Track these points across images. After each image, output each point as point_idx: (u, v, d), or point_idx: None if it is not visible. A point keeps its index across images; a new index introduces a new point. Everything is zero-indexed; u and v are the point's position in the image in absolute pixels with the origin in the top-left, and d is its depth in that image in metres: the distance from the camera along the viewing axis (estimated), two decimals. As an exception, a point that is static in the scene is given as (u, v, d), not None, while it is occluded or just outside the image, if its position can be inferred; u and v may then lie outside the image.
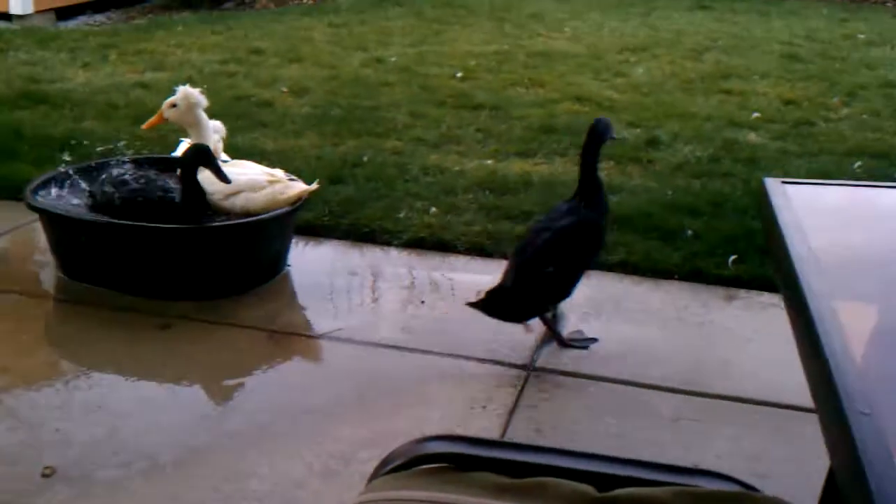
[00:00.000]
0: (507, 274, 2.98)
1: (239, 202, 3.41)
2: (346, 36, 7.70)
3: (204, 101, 3.56)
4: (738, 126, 5.39)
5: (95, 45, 7.04)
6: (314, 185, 3.45)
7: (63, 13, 8.55)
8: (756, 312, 3.39)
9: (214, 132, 3.71)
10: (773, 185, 1.80)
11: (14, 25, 7.98)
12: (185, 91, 3.53)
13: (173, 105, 3.53)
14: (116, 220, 3.28)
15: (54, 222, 3.40)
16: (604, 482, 1.26)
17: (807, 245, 1.56)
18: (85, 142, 4.74)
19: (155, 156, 3.96)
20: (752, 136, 5.21)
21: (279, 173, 3.50)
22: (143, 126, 3.69)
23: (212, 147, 3.58)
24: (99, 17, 8.71)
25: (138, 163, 3.65)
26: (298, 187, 3.42)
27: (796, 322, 1.43)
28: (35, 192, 3.44)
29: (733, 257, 3.64)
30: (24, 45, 6.99)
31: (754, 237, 3.77)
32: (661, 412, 2.77)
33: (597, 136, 2.96)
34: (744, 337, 3.22)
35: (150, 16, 8.68)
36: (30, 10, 8.18)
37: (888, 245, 1.75)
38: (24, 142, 4.71)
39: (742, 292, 3.50)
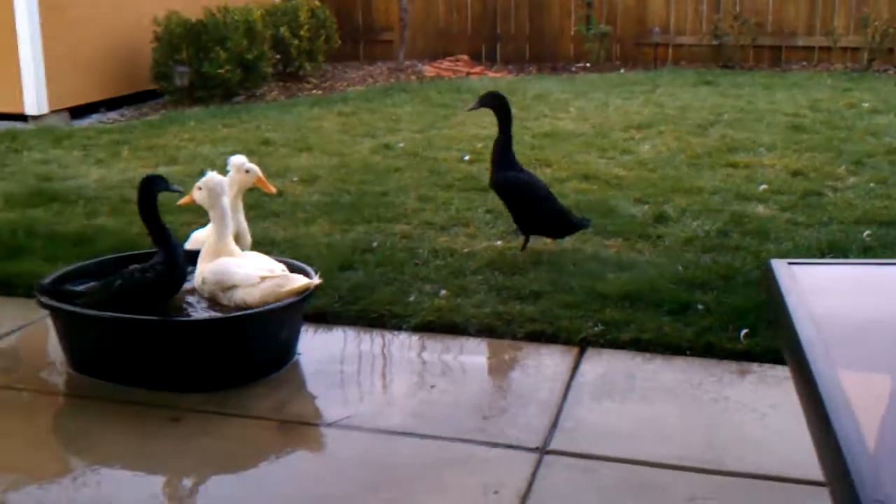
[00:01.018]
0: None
1: (236, 296, 3.44)
2: (354, 124, 7.82)
3: (224, 189, 3.63)
4: (745, 199, 5.40)
5: (108, 142, 7.17)
6: (315, 280, 3.46)
7: (77, 112, 8.74)
8: (770, 386, 3.35)
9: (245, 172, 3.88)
10: (778, 266, 1.80)
11: (30, 125, 8.15)
12: (207, 178, 3.63)
13: (199, 188, 3.63)
14: (124, 315, 3.30)
15: (63, 319, 3.42)
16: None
17: (814, 326, 1.54)
18: (97, 238, 4.78)
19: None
20: (761, 209, 5.21)
21: (277, 268, 3.52)
22: (179, 203, 3.80)
23: (230, 235, 3.61)
24: (112, 115, 8.89)
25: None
26: (297, 281, 3.43)
27: (807, 405, 1.40)
28: (56, 285, 3.51)
29: (745, 331, 3.61)
30: (38, 144, 7.12)
31: (766, 310, 3.75)
32: (677, 492, 2.72)
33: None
34: (759, 412, 3.17)
35: (162, 112, 8.86)
36: (45, 110, 8.37)
37: (893, 319, 1.74)
38: (37, 239, 4.76)
39: (755, 366, 3.46)
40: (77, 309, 3.40)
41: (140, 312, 3.34)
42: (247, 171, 3.90)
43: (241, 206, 3.96)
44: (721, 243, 4.63)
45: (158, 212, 3.48)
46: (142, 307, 3.37)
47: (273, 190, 4.12)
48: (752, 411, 3.17)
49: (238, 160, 3.93)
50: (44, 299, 3.41)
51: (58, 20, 8.42)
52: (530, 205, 4.52)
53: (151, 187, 3.45)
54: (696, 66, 11.03)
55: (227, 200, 3.62)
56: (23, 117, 8.35)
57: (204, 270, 3.51)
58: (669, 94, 8.91)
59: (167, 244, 3.44)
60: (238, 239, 3.85)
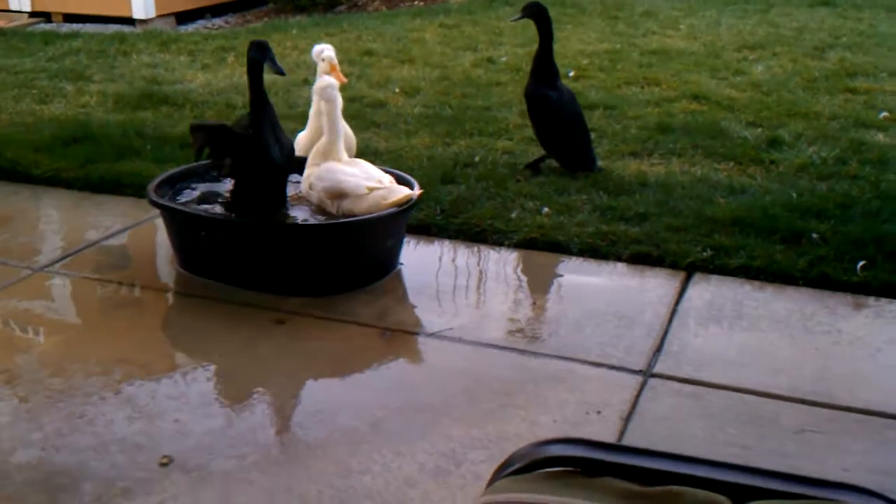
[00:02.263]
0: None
1: (344, 205, 3.43)
2: (456, 36, 7.69)
3: (335, 92, 3.57)
4: (865, 126, 5.15)
5: (214, 48, 7.22)
6: (416, 192, 3.43)
7: (183, 17, 8.81)
8: (887, 321, 3.22)
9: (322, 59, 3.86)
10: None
11: (137, 29, 8.26)
12: (318, 81, 3.63)
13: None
14: (235, 218, 3.34)
15: (175, 218, 3.49)
16: (738, 493, 1.19)
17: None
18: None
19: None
20: (881, 137, 4.96)
21: (385, 179, 3.49)
22: None
23: (341, 140, 3.58)
24: (217, 21, 8.94)
25: None
26: (400, 192, 3.40)
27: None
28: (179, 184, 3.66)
29: (862, 263, 3.47)
30: (146, 48, 7.22)
31: (885, 242, 3.59)
32: (784, 423, 2.65)
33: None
34: (874, 347, 3.06)
35: (265, 19, 8.87)
36: (152, 14, 8.46)
37: None
38: (147, 140, 4.85)
39: (871, 300, 3.33)
40: (188, 209, 3.46)
41: (261, 191, 3.38)
42: (322, 60, 3.86)
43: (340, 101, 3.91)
44: (838, 171, 4.43)
45: (263, 81, 3.38)
46: (259, 183, 3.37)
47: (343, 80, 3.94)
48: (866, 346, 3.06)
49: (317, 48, 3.89)
50: (154, 198, 3.47)
51: (166, -77, 8.44)
52: (548, 125, 4.49)
53: (262, 52, 3.33)
54: (815, -14, 10.49)
55: (340, 102, 3.58)
56: (130, 21, 8.47)
57: (312, 175, 3.51)
58: (785, 15, 8.51)
59: (260, 111, 3.35)
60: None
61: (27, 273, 3.55)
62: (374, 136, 5.03)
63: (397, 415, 2.66)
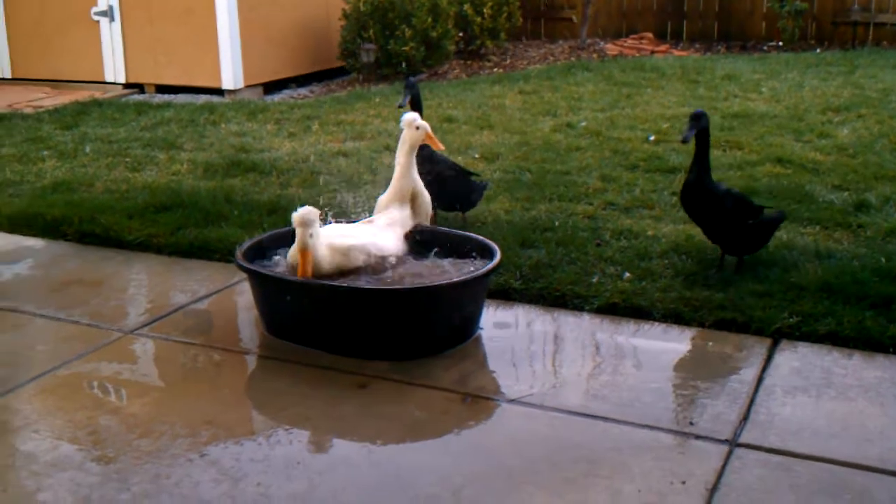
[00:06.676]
0: None
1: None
2: (536, 102, 7.77)
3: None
4: (957, 188, 5.02)
5: (299, 117, 7.42)
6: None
7: (270, 87, 9.10)
8: None
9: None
10: None
11: (226, 99, 8.55)
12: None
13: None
14: (320, 282, 3.41)
15: (261, 282, 3.56)
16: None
17: None
18: (290, 207, 4.95)
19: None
20: (975, 200, 4.83)
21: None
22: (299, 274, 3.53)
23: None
24: (302, 91, 9.20)
25: None
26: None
27: None
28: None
29: (957, 329, 3.36)
30: (234, 117, 7.46)
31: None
32: (878, 497, 2.56)
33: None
34: (973, 417, 2.94)
35: (349, 88, 9.09)
36: (240, 84, 8.76)
37: None
38: (234, 207, 4.99)
39: (968, 368, 3.22)
40: (274, 273, 3.54)
41: None
42: (417, 128, 3.95)
43: (414, 164, 3.98)
44: (929, 235, 4.32)
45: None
46: None
47: (441, 147, 4.11)
48: (965, 416, 2.95)
49: (409, 116, 3.99)
50: (242, 263, 3.56)
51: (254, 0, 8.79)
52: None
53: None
54: (901, 47, 10.33)
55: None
56: (220, 91, 8.77)
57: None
58: (870, 76, 8.39)
59: None
60: (415, 199, 3.90)
61: (117, 336, 3.66)
62: (455, 202, 5.08)
63: (478, 481, 2.65)
